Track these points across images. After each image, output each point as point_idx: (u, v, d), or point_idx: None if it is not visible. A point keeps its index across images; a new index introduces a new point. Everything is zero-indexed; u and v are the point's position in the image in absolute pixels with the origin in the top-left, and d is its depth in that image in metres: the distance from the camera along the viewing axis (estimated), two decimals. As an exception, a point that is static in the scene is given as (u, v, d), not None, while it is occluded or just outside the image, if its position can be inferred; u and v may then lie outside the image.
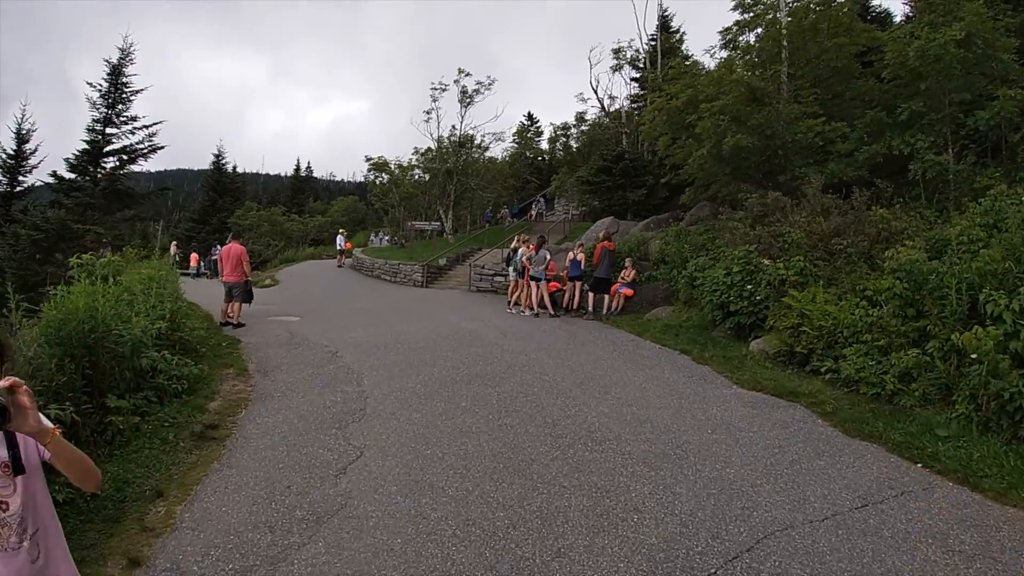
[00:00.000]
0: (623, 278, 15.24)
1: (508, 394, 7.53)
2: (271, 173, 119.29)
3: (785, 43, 17.04)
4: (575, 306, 15.09)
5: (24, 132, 23.15)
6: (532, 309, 14.74)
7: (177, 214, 60.49)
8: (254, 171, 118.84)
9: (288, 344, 10.99)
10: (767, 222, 13.27)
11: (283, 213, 45.49)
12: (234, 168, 52.00)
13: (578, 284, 15.08)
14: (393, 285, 22.76)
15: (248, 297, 13.70)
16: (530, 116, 48.20)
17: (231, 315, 13.37)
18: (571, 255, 15.13)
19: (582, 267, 15.04)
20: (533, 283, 14.61)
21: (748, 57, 18.43)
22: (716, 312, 11.30)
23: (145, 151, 23.37)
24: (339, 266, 29.41)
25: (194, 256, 30.36)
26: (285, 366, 9.31)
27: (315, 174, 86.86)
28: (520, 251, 15.30)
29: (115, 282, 8.98)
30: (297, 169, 73.71)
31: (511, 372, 8.64)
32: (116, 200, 22.80)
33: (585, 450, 5.73)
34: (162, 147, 23.82)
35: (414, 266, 22.85)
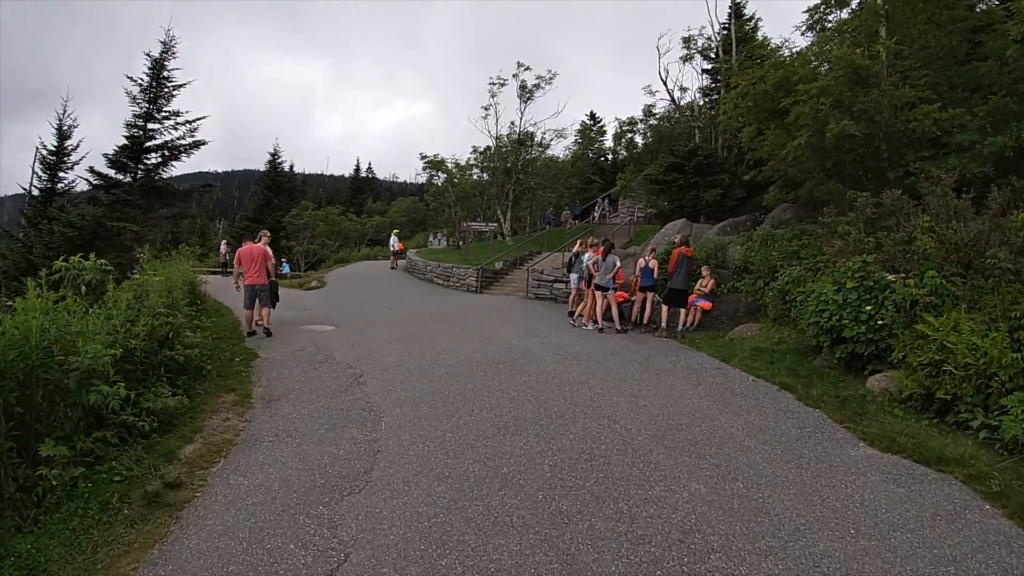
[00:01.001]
0: (700, 288, 13.19)
1: (566, 454, 5.61)
2: (335, 174, 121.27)
3: (884, 19, 14.55)
4: (645, 320, 13.08)
5: (66, 128, 22.42)
6: (596, 323, 12.82)
7: (240, 213, 60.89)
8: (318, 172, 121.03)
9: (309, 362, 9.39)
10: (882, 227, 10.94)
11: (340, 213, 44.68)
12: (291, 167, 51.54)
13: (650, 295, 13.06)
14: (445, 290, 21.14)
15: (274, 300, 12.29)
16: (592, 116, 46.02)
17: (260, 322, 12.03)
18: (642, 262, 13.09)
19: (655, 276, 13.02)
20: (599, 293, 12.68)
21: (840, 37, 15.94)
22: (822, 337, 9.11)
23: (187, 146, 22.41)
24: (392, 268, 28.02)
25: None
26: (294, 394, 7.67)
27: (378, 176, 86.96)
28: (586, 256, 13.35)
29: (97, 292, 7.59)
30: (357, 169, 73.51)
31: (571, 416, 6.72)
32: (155, 197, 21.90)
33: (681, 574, 3.79)
34: (204, 142, 22.79)
35: (468, 270, 21.18)
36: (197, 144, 22.81)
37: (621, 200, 43.30)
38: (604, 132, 43.34)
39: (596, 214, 40.94)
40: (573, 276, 15.00)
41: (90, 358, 5.47)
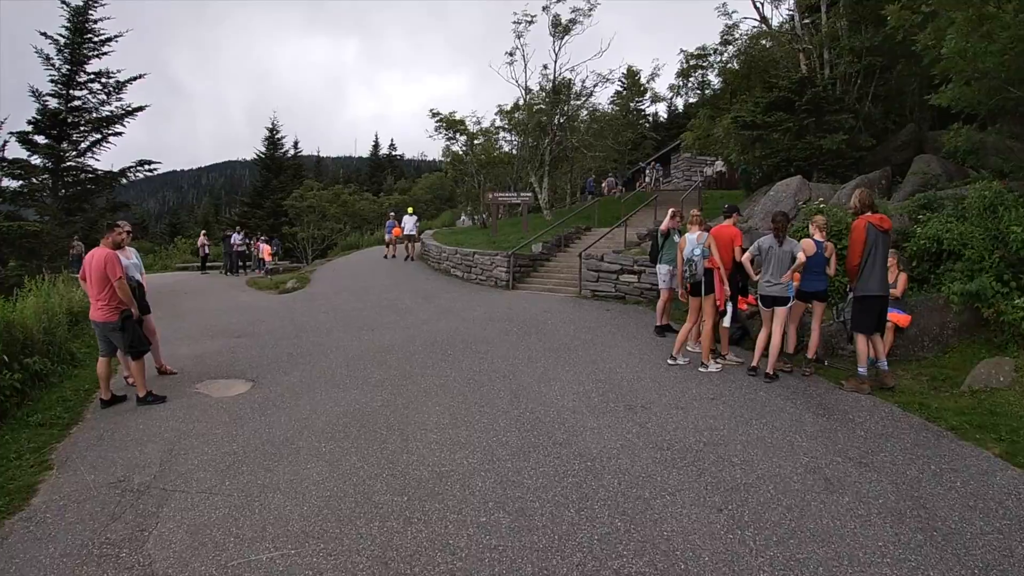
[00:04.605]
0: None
1: None
2: (363, 156, 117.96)
3: None
4: (811, 354, 7.07)
5: None
6: (720, 355, 7.21)
7: (238, 198, 55.75)
8: (346, 155, 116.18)
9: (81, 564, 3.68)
10: None
11: (353, 192, 39.04)
12: (295, 143, 45.78)
13: (818, 308, 7.05)
14: (464, 286, 15.31)
15: (136, 345, 6.60)
16: (631, 71, 38.28)
17: (128, 379, 7.01)
18: (810, 244, 6.94)
19: (830, 271, 7.02)
20: (766, 309, 6.94)
21: None
22: None
23: (120, 115, 16.87)
24: (407, 259, 21.28)
25: (267, 249, 23.57)
26: None
27: (406, 155, 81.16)
28: (693, 239, 7.35)
29: None
30: (376, 146, 67.74)
31: None
32: (77, 184, 16.46)
33: None
34: (141, 108, 17.29)
35: (496, 256, 15.32)
36: (132, 111, 17.29)
37: (675, 161, 36.78)
38: (645, 91, 35.47)
39: (648, 179, 34.53)
40: (663, 269, 9.09)
41: None
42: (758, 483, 4.25)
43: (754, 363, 6.94)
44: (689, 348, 8.04)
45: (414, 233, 21.78)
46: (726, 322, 7.50)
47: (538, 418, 5.50)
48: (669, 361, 7.39)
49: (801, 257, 6.57)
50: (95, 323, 6.54)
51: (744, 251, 7.14)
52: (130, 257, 7.27)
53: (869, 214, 6.58)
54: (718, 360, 7.32)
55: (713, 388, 6.38)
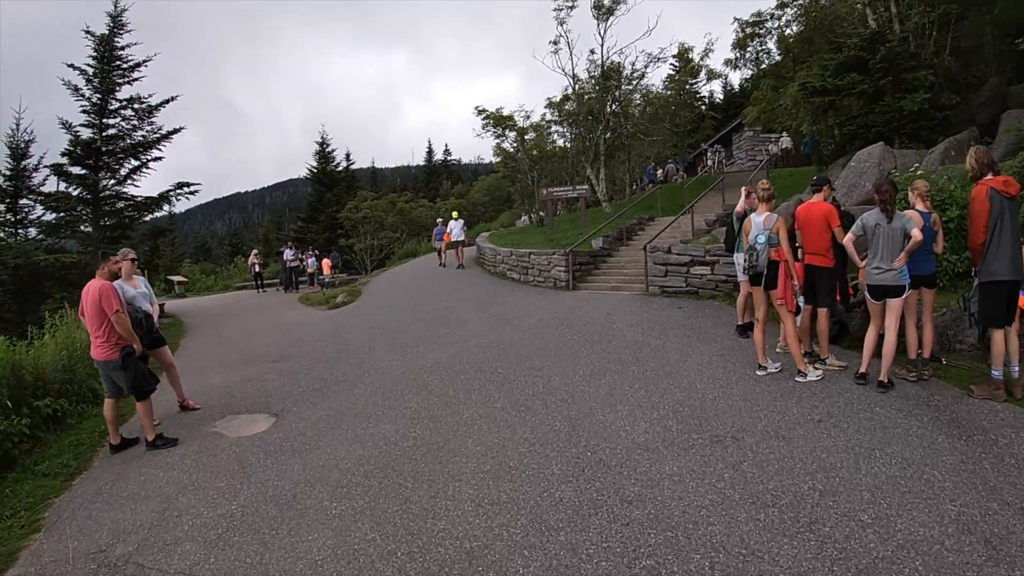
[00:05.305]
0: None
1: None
2: (420, 164, 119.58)
3: None
4: (927, 353, 5.71)
5: (22, 146, 16.90)
6: (820, 360, 6.09)
7: (294, 214, 56.42)
8: (404, 164, 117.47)
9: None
10: None
11: (409, 200, 38.60)
12: (347, 155, 45.72)
13: (928, 295, 5.75)
14: (522, 289, 14.27)
15: (140, 384, 5.83)
16: (682, 50, 35.83)
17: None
18: (916, 218, 5.52)
19: (938, 249, 5.69)
20: (876, 302, 5.55)
21: None
22: None
23: (155, 139, 16.63)
24: (459, 266, 19.64)
25: (327, 262, 22.89)
26: None
27: (463, 159, 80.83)
28: (760, 222, 6.09)
29: None
30: (429, 152, 67.58)
31: None
32: (117, 213, 16.29)
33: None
34: (176, 130, 17.04)
35: (553, 256, 14.20)
36: (167, 134, 17.07)
37: (736, 141, 34.80)
38: (699, 70, 32.97)
39: (711, 162, 32.74)
40: (740, 257, 7.76)
41: None
42: (900, 554, 3.05)
43: (863, 368, 5.64)
44: (779, 350, 6.81)
45: (462, 238, 20.57)
46: (798, 321, 6.26)
47: (601, 460, 4.40)
48: (759, 372, 6.14)
49: (916, 234, 5.22)
50: (96, 362, 5.86)
51: (844, 231, 5.84)
52: (137, 286, 6.59)
53: (990, 176, 5.19)
54: (817, 365, 6.04)
55: (818, 405, 5.12)
